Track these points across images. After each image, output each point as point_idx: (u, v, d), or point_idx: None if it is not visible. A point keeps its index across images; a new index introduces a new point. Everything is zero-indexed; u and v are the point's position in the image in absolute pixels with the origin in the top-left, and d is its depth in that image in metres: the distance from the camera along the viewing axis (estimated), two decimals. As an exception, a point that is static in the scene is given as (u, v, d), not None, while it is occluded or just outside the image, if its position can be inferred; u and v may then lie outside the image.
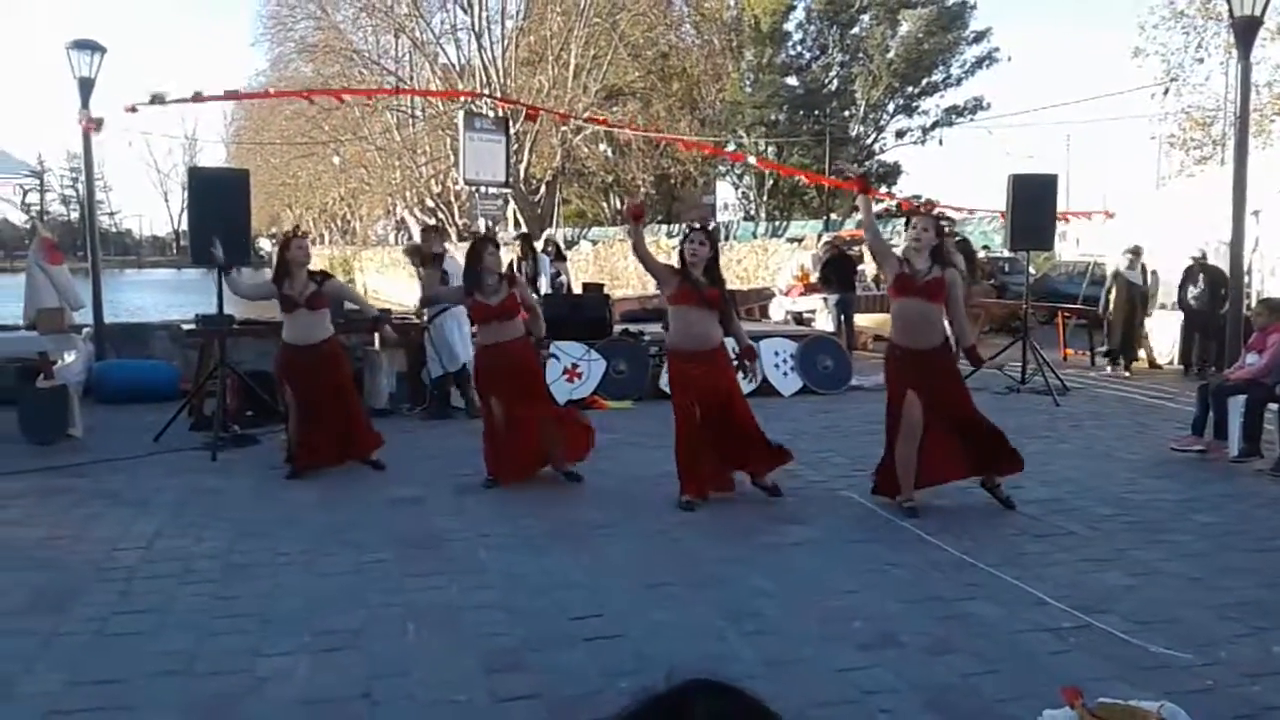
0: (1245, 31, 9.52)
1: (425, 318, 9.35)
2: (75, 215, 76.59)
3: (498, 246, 7.20)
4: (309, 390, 7.24)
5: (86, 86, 11.17)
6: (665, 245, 28.54)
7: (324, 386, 7.25)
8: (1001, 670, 3.84)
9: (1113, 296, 12.89)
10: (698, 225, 6.34)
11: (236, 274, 7.96)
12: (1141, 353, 13.27)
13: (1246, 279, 10.97)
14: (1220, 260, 11.37)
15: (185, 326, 10.48)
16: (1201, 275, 12.05)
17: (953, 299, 5.93)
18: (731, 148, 40.67)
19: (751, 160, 31.32)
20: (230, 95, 15.61)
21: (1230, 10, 9.58)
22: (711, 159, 36.88)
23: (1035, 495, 6.29)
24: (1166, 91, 22.62)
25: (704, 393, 6.16)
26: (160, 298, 40.00)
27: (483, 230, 16.14)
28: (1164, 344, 13.19)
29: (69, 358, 9.57)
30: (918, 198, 40.56)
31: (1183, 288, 12.35)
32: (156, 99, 12.18)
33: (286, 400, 7.40)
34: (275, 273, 7.37)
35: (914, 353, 5.94)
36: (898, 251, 6.21)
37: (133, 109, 12.15)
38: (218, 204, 8.07)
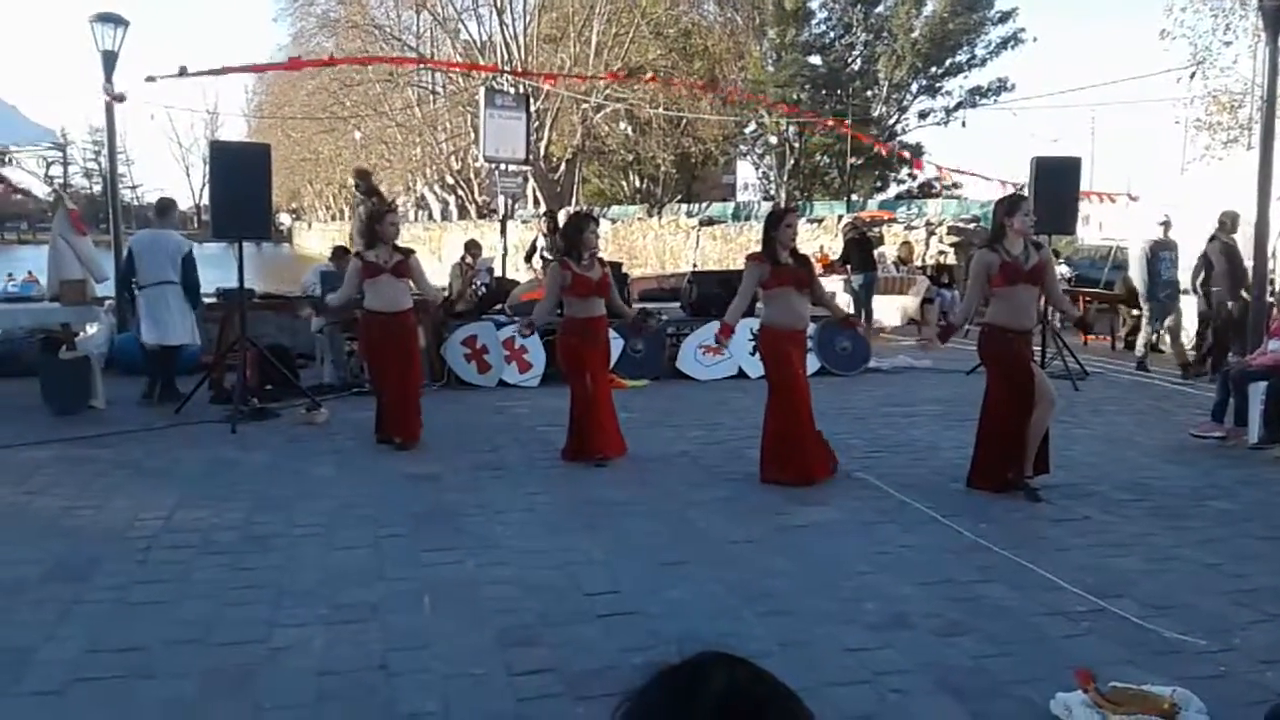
0: (1274, 16, 9.38)
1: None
2: (98, 189, 76.85)
3: (598, 223, 7.23)
4: (385, 358, 7.32)
5: (110, 60, 11.22)
6: (685, 225, 28.49)
7: (398, 356, 7.29)
8: (1014, 653, 3.85)
9: None
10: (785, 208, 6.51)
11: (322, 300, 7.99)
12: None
13: (1271, 264, 10.80)
14: (1245, 245, 11.06)
15: (206, 300, 10.54)
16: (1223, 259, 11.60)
17: (1051, 278, 6.25)
18: (752, 127, 40.51)
19: (782, 124, 30.95)
20: (254, 67, 15.65)
21: (1260, -7, 9.47)
22: (733, 137, 36.68)
23: (1052, 479, 6.26)
24: (1193, 75, 22.30)
25: (800, 366, 6.46)
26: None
27: (501, 208, 16.23)
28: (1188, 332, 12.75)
29: (91, 329, 9.66)
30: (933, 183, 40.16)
31: (1198, 272, 11.35)
32: (180, 71, 12.26)
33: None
34: (365, 242, 7.42)
35: (1026, 334, 6.18)
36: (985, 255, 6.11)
37: (151, 79, 12.20)
38: (239, 178, 8.09)
